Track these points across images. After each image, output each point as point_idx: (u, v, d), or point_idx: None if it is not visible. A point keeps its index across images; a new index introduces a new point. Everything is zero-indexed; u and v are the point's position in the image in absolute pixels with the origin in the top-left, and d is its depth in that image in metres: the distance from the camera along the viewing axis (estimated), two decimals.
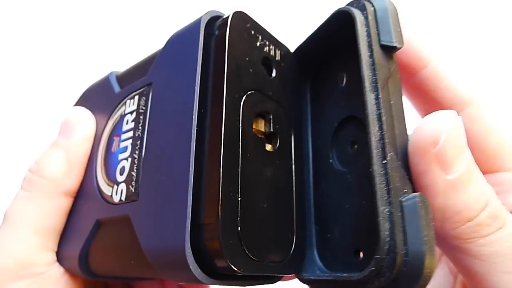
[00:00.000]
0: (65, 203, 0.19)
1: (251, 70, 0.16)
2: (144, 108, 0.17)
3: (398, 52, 0.15)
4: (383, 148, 0.13)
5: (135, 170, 0.16)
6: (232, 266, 0.13)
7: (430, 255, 0.12)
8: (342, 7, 0.16)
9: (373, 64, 0.14)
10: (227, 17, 0.16)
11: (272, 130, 0.16)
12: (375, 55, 0.14)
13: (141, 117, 0.17)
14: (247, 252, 0.13)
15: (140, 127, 0.17)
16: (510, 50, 0.43)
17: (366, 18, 0.15)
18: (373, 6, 0.15)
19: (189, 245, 0.13)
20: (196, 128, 0.14)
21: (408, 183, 0.13)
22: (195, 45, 0.16)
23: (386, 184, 0.13)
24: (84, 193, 0.19)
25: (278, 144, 0.16)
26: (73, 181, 0.19)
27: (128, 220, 0.15)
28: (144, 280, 0.22)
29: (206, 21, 0.16)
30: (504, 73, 0.42)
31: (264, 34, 0.17)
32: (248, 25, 0.16)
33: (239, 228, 0.13)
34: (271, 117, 0.16)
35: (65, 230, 0.19)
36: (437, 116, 0.14)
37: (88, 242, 0.17)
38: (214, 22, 0.16)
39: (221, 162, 0.13)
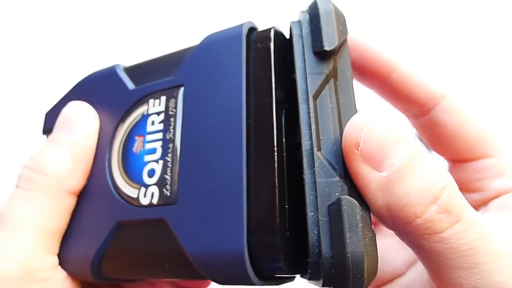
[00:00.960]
0: (70, 203, 0.18)
1: (285, 84, 0.17)
2: (174, 110, 0.17)
3: (365, 60, 0.17)
4: (311, 156, 0.14)
5: (169, 174, 0.16)
6: (287, 269, 0.14)
7: (356, 257, 0.12)
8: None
9: (305, 74, 0.15)
10: (269, 31, 0.16)
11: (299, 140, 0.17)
12: (307, 64, 0.15)
13: (172, 119, 0.17)
14: (292, 254, 0.14)
15: (172, 130, 0.17)
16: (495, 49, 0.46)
17: (301, 29, 0.16)
18: (308, 13, 0.16)
19: (246, 249, 0.14)
20: (245, 138, 0.15)
21: (339, 187, 0.13)
22: (237, 56, 0.16)
23: (314, 190, 0.13)
24: (93, 192, 0.18)
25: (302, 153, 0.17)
26: (78, 179, 0.18)
27: (164, 223, 0.15)
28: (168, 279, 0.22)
29: (246, 31, 0.17)
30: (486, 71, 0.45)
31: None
32: (282, 39, 0.17)
33: (288, 233, 0.14)
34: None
35: (70, 231, 0.18)
36: (354, 118, 0.14)
37: (105, 244, 0.17)
38: (249, 34, 0.17)
39: (276, 172, 0.14)
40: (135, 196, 0.17)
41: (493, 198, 0.17)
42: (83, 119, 0.19)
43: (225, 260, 0.14)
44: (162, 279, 0.21)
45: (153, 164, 0.17)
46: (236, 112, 0.15)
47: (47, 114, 0.22)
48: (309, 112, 0.15)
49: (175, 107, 0.17)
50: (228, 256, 0.14)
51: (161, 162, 0.17)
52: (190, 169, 0.16)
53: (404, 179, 0.13)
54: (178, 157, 0.16)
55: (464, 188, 0.18)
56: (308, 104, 0.15)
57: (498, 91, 0.43)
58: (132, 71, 0.20)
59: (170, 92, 0.18)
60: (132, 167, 0.17)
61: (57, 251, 0.18)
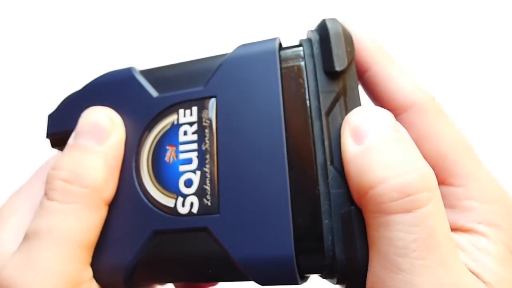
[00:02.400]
0: (105, 213, 0.18)
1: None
2: (208, 121, 0.18)
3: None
4: (325, 169, 0.16)
5: (208, 184, 0.17)
6: (326, 272, 0.16)
7: (364, 259, 0.14)
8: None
9: (317, 93, 0.17)
10: (298, 50, 0.18)
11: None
12: (319, 84, 0.17)
13: (206, 130, 0.18)
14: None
15: (208, 141, 0.17)
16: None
17: (312, 48, 0.17)
18: (318, 35, 0.18)
19: (294, 254, 0.15)
20: (286, 150, 0.16)
21: (350, 198, 0.15)
22: (273, 71, 0.17)
23: (328, 200, 0.15)
24: (122, 202, 0.18)
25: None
26: (113, 188, 0.18)
27: (207, 232, 0.16)
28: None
29: (278, 47, 0.18)
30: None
31: None
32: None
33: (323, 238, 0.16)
34: None
35: (101, 241, 0.18)
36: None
37: (139, 253, 0.17)
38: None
39: (317, 182, 0.16)
40: (171, 205, 0.17)
41: None
42: (113, 126, 0.18)
43: (274, 264, 0.15)
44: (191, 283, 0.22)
45: (190, 174, 0.17)
46: (276, 125, 0.16)
47: (50, 116, 0.21)
48: (322, 129, 0.16)
49: (209, 119, 0.18)
50: (278, 260, 0.15)
51: (198, 172, 0.17)
52: (231, 180, 0.17)
53: (374, 152, 0.14)
54: (216, 168, 0.17)
55: None
56: (321, 121, 0.16)
57: (498, 90, 0.46)
58: (150, 76, 0.20)
59: (201, 102, 0.18)
60: (166, 176, 0.18)
61: (90, 262, 0.17)
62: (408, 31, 0.50)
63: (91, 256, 0.17)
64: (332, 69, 0.16)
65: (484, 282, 0.13)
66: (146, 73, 0.20)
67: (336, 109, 0.16)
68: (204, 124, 0.18)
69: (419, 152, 0.14)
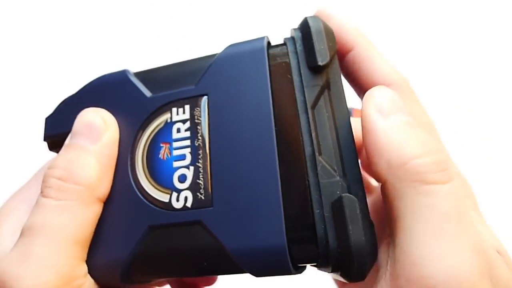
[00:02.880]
0: (98, 210, 0.18)
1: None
2: (200, 118, 0.18)
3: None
4: (314, 161, 0.16)
5: (201, 179, 0.17)
6: (320, 261, 0.16)
7: (358, 246, 0.14)
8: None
9: (302, 88, 0.17)
10: (285, 47, 0.18)
11: None
12: (304, 78, 0.17)
13: (199, 127, 0.18)
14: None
15: (200, 137, 0.18)
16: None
17: (295, 46, 0.18)
18: (301, 32, 0.18)
19: (286, 243, 0.15)
20: (276, 143, 0.17)
21: (340, 186, 0.16)
22: (262, 68, 0.18)
23: (318, 190, 0.16)
24: (117, 198, 0.18)
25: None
26: (107, 186, 0.18)
27: (201, 224, 0.17)
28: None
29: (266, 45, 0.18)
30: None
31: None
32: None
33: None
34: None
35: (96, 238, 0.18)
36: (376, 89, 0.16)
37: (136, 249, 0.17)
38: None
39: (307, 173, 0.16)
40: (166, 200, 0.18)
41: None
42: (106, 126, 0.19)
43: (267, 253, 0.16)
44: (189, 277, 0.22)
45: (184, 170, 0.18)
46: (265, 119, 0.17)
47: (47, 119, 0.22)
48: (308, 121, 0.17)
49: (201, 116, 0.18)
50: (270, 250, 0.16)
51: (192, 168, 0.18)
52: (223, 174, 0.17)
53: (410, 127, 0.15)
54: (208, 163, 0.17)
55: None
56: (307, 114, 0.17)
57: (498, 90, 0.47)
58: (144, 77, 0.20)
59: (193, 101, 0.19)
60: (160, 173, 0.18)
61: (85, 258, 0.18)
62: (408, 32, 0.50)
63: (85, 253, 0.18)
64: (315, 63, 0.17)
65: None
66: (140, 74, 0.21)
67: (321, 102, 0.17)
68: (196, 121, 0.18)
69: None
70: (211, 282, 0.24)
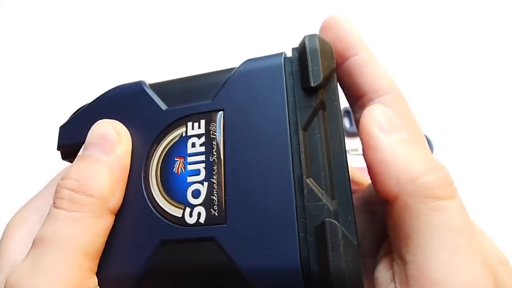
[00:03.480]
0: (110, 222, 0.18)
1: None
2: (215, 134, 0.18)
3: (336, 40, 0.19)
4: (301, 183, 0.16)
5: (215, 195, 0.17)
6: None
7: (338, 273, 0.14)
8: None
9: (294, 109, 0.17)
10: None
11: None
12: (297, 100, 0.17)
13: (214, 142, 0.18)
14: None
15: (215, 153, 0.18)
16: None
17: (291, 66, 0.18)
18: (297, 52, 0.18)
19: (300, 264, 0.15)
20: (292, 163, 0.17)
21: (325, 211, 0.15)
22: (279, 86, 0.18)
23: (304, 213, 0.16)
24: (130, 211, 0.18)
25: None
26: (118, 198, 0.18)
27: (214, 242, 0.17)
28: None
29: (284, 62, 0.18)
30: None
31: None
32: None
33: None
34: None
35: (107, 250, 0.18)
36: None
37: (147, 263, 0.17)
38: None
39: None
40: (179, 215, 0.18)
41: None
42: (119, 138, 0.19)
43: (280, 273, 0.15)
44: None
45: (198, 185, 0.18)
46: (282, 137, 0.17)
47: (62, 128, 0.22)
48: (299, 143, 0.17)
49: (216, 131, 0.18)
50: (284, 269, 0.15)
51: (206, 183, 0.18)
52: (237, 191, 0.17)
53: (413, 145, 0.16)
54: (223, 179, 0.17)
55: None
56: (298, 136, 0.17)
57: (498, 90, 0.46)
58: (160, 90, 0.20)
59: (209, 115, 0.19)
60: (174, 187, 0.18)
61: (96, 270, 0.18)
62: (408, 32, 0.50)
63: (96, 265, 0.18)
64: (308, 84, 0.17)
65: None
66: (156, 86, 0.21)
67: (314, 123, 0.17)
68: (211, 136, 0.18)
69: None
70: None
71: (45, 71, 0.50)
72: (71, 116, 0.22)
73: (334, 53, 0.18)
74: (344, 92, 0.20)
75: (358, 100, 0.19)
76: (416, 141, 0.17)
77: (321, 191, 0.16)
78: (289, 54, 0.19)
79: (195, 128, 0.19)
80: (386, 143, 0.16)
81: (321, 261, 0.15)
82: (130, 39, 0.51)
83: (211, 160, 0.18)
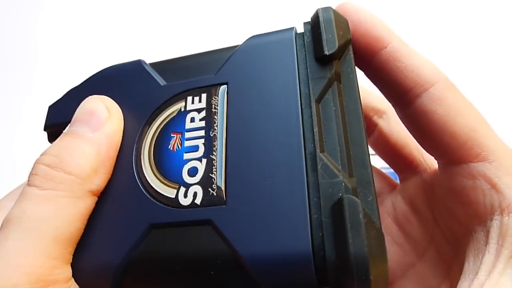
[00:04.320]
0: (90, 205, 0.16)
1: None
2: (217, 107, 0.16)
3: (358, 35, 0.16)
4: (314, 158, 0.14)
5: (215, 173, 0.15)
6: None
7: (359, 258, 0.12)
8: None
9: (307, 80, 0.16)
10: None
11: None
12: (310, 70, 0.16)
13: (216, 117, 0.16)
14: None
15: (217, 128, 0.16)
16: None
17: (303, 39, 0.17)
18: (310, 24, 0.17)
19: (311, 251, 0.13)
20: (303, 137, 0.15)
21: (343, 187, 0.13)
22: (290, 58, 0.16)
23: (318, 192, 0.14)
24: (117, 193, 0.16)
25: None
26: (102, 179, 0.16)
27: (211, 225, 0.14)
28: None
29: (294, 35, 0.17)
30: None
31: None
32: None
33: None
34: None
35: (87, 237, 0.16)
36: None
37: (132, 251, 0.15)
38: None
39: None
40: (172, 196, 0.15)
41: (489, 217, 0.15)
42: (109, 115, 0.17)
43: (288, 261, 0.13)
44: None
45: (195, 162, 0.16)
46: (292, 110, 0.15)
47: (50, 108, 0.20)
48: (311, 116, 0.15)
49: (219, 105, 0.16)
50: (292, 256, 0.13)
51: (204, 160, 0.15)
52: (241, 168, 0.15)
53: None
54: (223, 155, 0.15)
55: (457, 199, 0.16)
56: (310, 109, 0.15)
57: (498, 90, 0.45)
58: (160, 67, 0.19)
59: (211, 89, 0.17)
60: (168, 165, 0.16)
61: (71, 260, 0.15)
62: (408, 31, 0.50)
63: (70, 253, 0.15)
64: (322, 53, 0.15)
65: None
66: (155, 64, 0.19)
67: (329, 95, 0.15)
68: (213, 110, 0.16)
69: None
70: None
71: (40, 57, 0.49)
72: (62, 96, 0.20)
73: (350, 26, 0.17)
74: (381, 90, 0.18)
75: (401, 98, 0.17)
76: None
77: (337, 166, 0.14)
78: (300, 30, 0.18)
79: (195, 102, 0.17)
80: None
81: (339, 245, 0.12)
82: (130, 26, 0.50)
83: (212, 135, 0.16)
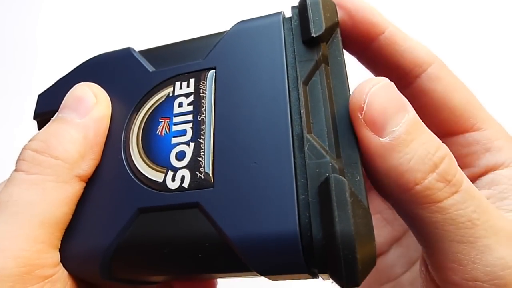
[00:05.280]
0: (78, 190, 0.16)
1: None
2: (205, 92, 0.16)
3: (355, 20, 0.17)
4: (301, 140, 0.14)
5: (202, 156, 0.15)
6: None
7: (345, 236, 0.12)
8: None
9: (294, 63, 0.16)
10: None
11: None
12: (297, 53, 0.16)
13: (203, 101, 0.16)
14: None
15: (204, 112, 0.16)
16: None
17: (290, 22, 0.17)
18: (297, 8, 0.17)
19: (298, 230, 0.13)
20: (291, 118, 0.14)
21: (330, 168, 0.13)
22: (278, 42, 0.16)
23: (305, 173, 0.14)
24: (105, 179, 0.16)
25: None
26: (90, 164, 0.16)
27: (199, 208, 0.14)
28: (187, 280, 0.19)
29: (282, 19, 0.17)
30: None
31: None
32: None
33: None
34: None
35: (74, 222, 0.16)
36: (362, 83, 0.14)
37: (120, 236, 0.15)
38: None
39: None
40: (160, 180, 0.15)
41: (482, 175, 0.17)
42: (97, 101, 0.17)
43: (275, 241, 0.13)
44: (179, 279, 0.19)
45: (183, 146, 0.16)
46: (279, 92, 0.15)
47: (40, 96, 0.20)
48: (298, 98, 0.15)
49: (207, 89, 0.16)
50: (279, 237, 0.13)
51: (192, 144, 0.15)
52: (228, 151, 0.15)
53: (405, 145, 0.13)
54: (211, 139, 0.15)
55: None
56: (297, 91, 0.15)
57: (498, 90, 0.44)
58: (148, 54, 0.19)
59: (199, 74, 0.17)
60: (156, 150, 0.16)
61: (59, 245, 0.15)
62: (407, 30, 0.49)
63: (58, 239, 0.15)
64: (309, 36, 0.15)
65: None
66: (144, 52, 0.19)
67: (316, 77, 0.15)
68: (201, 94, 0.16)
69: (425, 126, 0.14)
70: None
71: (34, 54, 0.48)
72: (52, 84, 0.20)
73: (337, 9, 0.17)
74: (376, 75, 0.18)
75: (400, 80, 0.17)
76: (420, 126, 0.14)
77: (325, 147, 0.14)
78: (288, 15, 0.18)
79: (183, 88, 0.17)
80: (377, 147, 0.13)
81: (325, 224, 0.12)
82: (130, 25, 0.50)
83: (199, 119, 0.16)
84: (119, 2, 0.52)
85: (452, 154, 0.14)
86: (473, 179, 0.17)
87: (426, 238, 0.14)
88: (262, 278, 0.14)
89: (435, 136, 0.14)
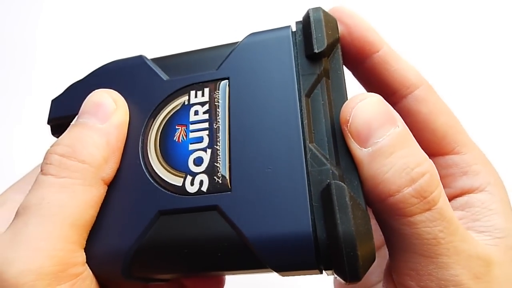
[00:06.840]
0: (102, 193, 0.17)
1: None
2: (220, 101, 0.17)
3: (354, 38, 0.18)
4: (304, 148, 0.15)
5: (219, 162, 0.16)
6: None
7: (347, 235, 0.13)
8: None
9: (298, 77, 0.17)
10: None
11: None
12: (301, 67, 0.17)
13: (218, 110, 0.17)
14: None
15: (219, 120, 0.17)
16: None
17: (295, 37, 0.18)
18: (301, 23, 0.18)
19: (312, 230, 0.14)
20: (301, 127, 0.16)
21: (330, 174, 0.15)
22: (287, 55, 0.17)
23: (308, 179, 0.15)
24: (125, 182, 0.17)
25: None
26: (112, 168, 0.17)
27: (218, 210, 0.15)
28: (206, 277, 0.20)
29: (291, 33, 0.18)
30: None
31: None
32: None
33: None
34: None
35: (98, 224, 0.16)
36: (351, 98, 0.15)
37: (142, 237, 0.16)
38: None
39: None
40: (179, 184, 0.16)
41: (457, 196, 0.18)
42: (116, 107, 0.18)
43: (290, 242, 0.14)
44: (195, 276, 0.20)
45: (200, 152, 0.17)
46: (291, 103, 0.16)
47: (54, 101, 0.20)
48: (301, 110, 0.16)
49: (221, 98, 0.17)
50: (294, 237, 0.14)
51: (209, 150, 0.16)
52: (243, 157, 0.16)
53: (384, 157, 0.14)
54: (227, 146, 0.16)
55: None
56: (301, 103, 0.16)
57: (497, 90, 0.45)
58: (161, 63, 0.20)
59: (213, 84, 0.18)
60: (174, 155, 0.17)
61: (85, 246, 0.16)
62: (407, 30, 0.50)
63: (85, 239, 0.16)
64: (312, 51, 0.17)
65: (494, 238, 0.16)
66: (157, 60, 0.20)
67: (318, 90, 0.17)
68: (216, 103, 0.17)
69: (416, 142, 0.15)
70: (218, 287, 0.22)
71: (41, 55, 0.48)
72: (65, 90, 0.21)
73: (338, 25, 0.18)
74: (367, 90, 0.20)
75: (387, 98, 0.18)
76: (405, 141, 0.14)
77: (325, 155, 0.15)
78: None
79: (199, 96, 0.18)
80: (360, 157, 0.14)
81: (329, 226, 0.14)
82: (130, 25, 0.50)
83: (215, 127, 0.17)
84: (119, 2, 0.52)
85: (436, 172, 0.15)
86: (448, 199, 0.17)
87: (394, 244, 0.15)
88: (266, 273, 0.16)
89: (422, 152, 0.15)
